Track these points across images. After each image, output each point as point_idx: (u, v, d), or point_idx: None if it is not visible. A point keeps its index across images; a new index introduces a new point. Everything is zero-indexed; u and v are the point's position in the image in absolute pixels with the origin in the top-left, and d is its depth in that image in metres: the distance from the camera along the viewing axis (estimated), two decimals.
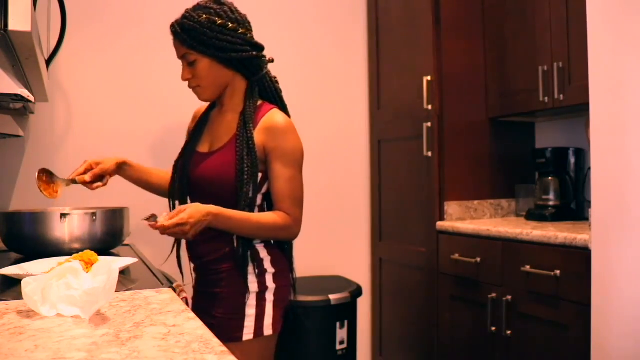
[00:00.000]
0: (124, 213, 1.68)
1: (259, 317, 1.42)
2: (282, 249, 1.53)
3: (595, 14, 1.52)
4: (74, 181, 1.51)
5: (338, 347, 2.28)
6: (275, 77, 1.56)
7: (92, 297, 0.84)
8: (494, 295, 1.98)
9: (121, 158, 1.57)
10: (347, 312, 2.32)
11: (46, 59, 1.62)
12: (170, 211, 1.36)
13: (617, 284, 1.45)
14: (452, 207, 2.34)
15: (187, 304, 1.09)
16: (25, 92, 1.16)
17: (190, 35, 1.40)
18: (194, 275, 1.56)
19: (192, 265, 1.55)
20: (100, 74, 2.31)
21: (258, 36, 2.78)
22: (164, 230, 1.27)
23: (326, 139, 2.73)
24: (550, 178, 2.26)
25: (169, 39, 2.63)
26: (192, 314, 0.88)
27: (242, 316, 1.41)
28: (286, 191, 1.42)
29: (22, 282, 0.87)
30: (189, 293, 1.38)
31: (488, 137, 2.44)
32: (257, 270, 1.44)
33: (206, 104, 1.60)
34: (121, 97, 2.35)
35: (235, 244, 1.43)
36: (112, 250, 1.69)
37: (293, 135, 1.45)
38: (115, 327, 0.80)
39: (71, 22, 2.06)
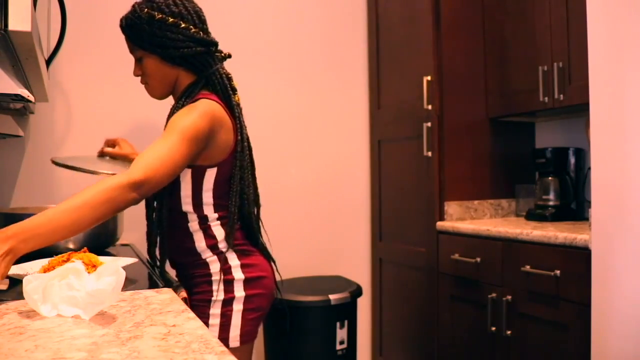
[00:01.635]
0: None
1: (223, 327, 1.33)
2: (261, 253, 1.45)
3: (595, 14, 1.52)
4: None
5: (338, 347, 2.28)
6: (230, 74, 1.45)
7: (94, 299, 0.84)
8: (494, 295, 1.98)
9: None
10: (347, 312, 2.32)
11: (46, 59, 1.62)
12: None
13: (617, 284, 1.45)
14: (452, 207, 2.34)
15: (186, 303, 1.09)
16: (25, 92, 1.16)
17: (132, 31, 1.36)
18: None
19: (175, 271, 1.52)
20: (100, 74, 2.31)
21: (258, 37, 2.78)
22: None
23: (326, 139, 2.73)
24: (550, 178, 2.26)
25: None
26: (192, 314, 0.88)
27: (206, 326, 1.35)
28: (145, 151, 1.23)
29: (24, 280, 0.87)
30: None
31: (488, 137, 2.44)
32: (223, 277, 1.36)
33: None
34: (121, 97, 2.34)
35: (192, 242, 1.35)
36: (110, 250, 1.69)
37: (190, 110, 1.29)
38: (115, 327, 0.80)
39: (71, 22, 2.06)
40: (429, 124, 2.34)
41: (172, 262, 1.48)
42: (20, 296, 0.89)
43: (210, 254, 1.37)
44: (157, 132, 2.36)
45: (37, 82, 1.39)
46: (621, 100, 1.45)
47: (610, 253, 1.47)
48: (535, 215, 2.24)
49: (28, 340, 0.74)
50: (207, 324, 1.33)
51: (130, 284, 1.18)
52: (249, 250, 1.42)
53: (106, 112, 2.32)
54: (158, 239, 1.43)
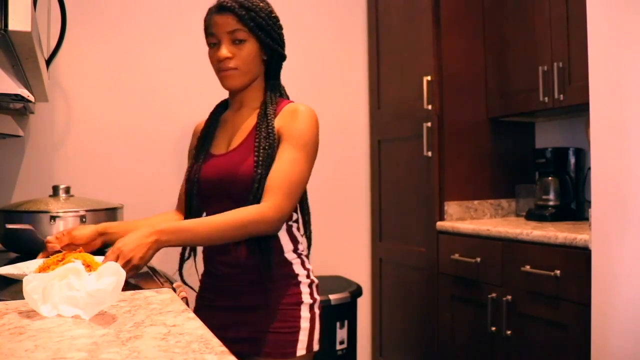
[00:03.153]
0: (116, 213, 1.67)
1: (311, 330, 1.34)
2: None
3: (595, 13, 1.52)
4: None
5: (338, 347, 2.28)
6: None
7: (94, 299, 0.84)
8: (494, 295, 1.98)
9: (101, 227, 1.37)
10: (347, 312, 2.32)
11: (46, 59, 1.62)
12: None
13: (617, 284, 1.45)
14: (452, 207, 2.33)
15: (187, 304, 1.09)
16: (25, 92, 1.16)
17: (249, 13, 1.33)
18: (199, 287, 1.45)
19: (216, 277, 1.40)
20: (100, 74, 2.31)
21: None
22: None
23: (326, 138, 2.72)
24: (550, 178, 2.26)
25: (170, 39, 2.62)
26: (192, 314, 0.88)
27: (297, 329, 1.32)
28: (280, 173, 1.26)
29: (24, 279, 0.86)
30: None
31: (488, 137, 2.44)
32: (308, 280, 1.37)
33: (203, 121, 1.50)
34: (121, 97, 2.34)
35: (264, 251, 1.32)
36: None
37: (312, 121, 1.33)
38: (115, 327, 0.80)
39: (71, 22, 2.06)
40: (429, 124, 2.34)
41: (236, 264, 1.36)
42: (20, 296, 0.89)
43: (294, 255, 1.37)
44: (156, 131, 2.37)
45: (37, 82, 1.39)
46: (621, 100, 1.45)
47: (610, 253, 1.47)
48: (535, 215, 2.24)
49: (28, 340, 0.74)
50: (297, 327, 1.32)
51: (130, 284, 1.18)
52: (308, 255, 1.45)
53: (106, 112, 2.32)
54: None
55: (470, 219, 2.37)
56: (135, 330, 0.78)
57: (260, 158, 1.29)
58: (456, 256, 2.18)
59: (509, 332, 1.92)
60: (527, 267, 1.85)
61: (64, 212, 1.53)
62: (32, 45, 0.98)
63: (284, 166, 1.27)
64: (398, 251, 2.61)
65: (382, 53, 2.72)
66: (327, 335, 2.27)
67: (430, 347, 2.36)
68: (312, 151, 1.32)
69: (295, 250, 1.38)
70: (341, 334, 2.29)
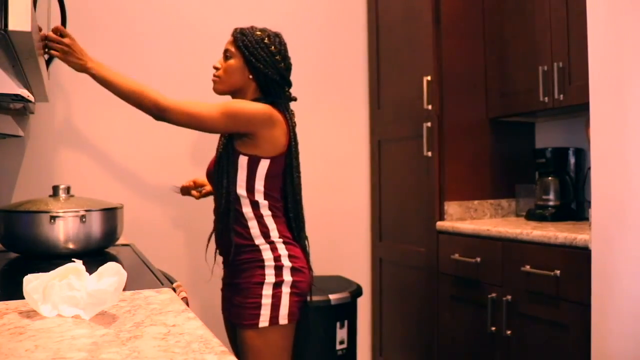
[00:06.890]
0: (116, 213, 1.67)
1: (274, 306, 1.55)
2: (301, 248, 1.66)
3: (595, 14, 1.52)
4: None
5: (338, 347, 2.28)
6: (293, 112, 1.71)
7: (95, 299, 0.84)
8: (494, 295, 1.98)
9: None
10: (347, 312, 2.31)
11: (46, 59, 1.62)
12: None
13: (617, 284, 1.45)
14: (452, 207, 2.34)
15: (187, 304, 1.09)
16: (25, 92, 1.16)
17: (241, 37, 1.65)
18: (223, 268, 1.72)
19: (221, 260, 1.70)
20: None
21: None
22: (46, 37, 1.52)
23: (326, 139, 2.73)
24: (550, 178, 2.26)
25: (169, 39, 2.64)
26: (192, 314, 0.88)
27: (258, 305, 1.54)
28: (196, 104, 1.54)
29: (24, 279, 0.87)
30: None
31: (488, 137, 2.44)
32: (274, 264, 1.57)
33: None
34: None
35: (242, 228, 1.59)
36: (110, 250, 1.69)
37: (254, 104, 1.59)
38: (115, 327, 0.80)
39: (71, 22, 2.05)
40: (429, 124, 2.34)
41: (224, 250, 1.65)
42: (20, 296, 0.89)
43: (263, 241, 1.59)
44: (157, 132, 2.36)
45: (37, 82, 1.39)
46: (621, 100, 1.45)
47: (610, 253, 1.47)
48: (535, 215, 2.24)
49: (28, 340, 0.74)
50: (259, 303, 1.54)
51: (130, 284, 1.18)
52: (293, 243, 1.64)
53: (106, 112, 2.32)
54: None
55: (470, 219, 2.37)
56: (135, 330, 0.78)
57: (220, 170, 1.60)
58: (456, 256, 2.18)
59: (509, 332, 1.92)
60: (527, 267, 1.85)
61: (64, 212, 1.52)
62: (32, 45, 0.98)
63: (201, 105, 1.54)
64: (398, 251, 2.61)
65: (382, 53, 2.72)
66: (327, 335, 2.27)
67: (430, 347, 2.36)
68: (226, 108, 1.54)
69: (267, 238, 1.59)
70: (341, 334, 2.29)
